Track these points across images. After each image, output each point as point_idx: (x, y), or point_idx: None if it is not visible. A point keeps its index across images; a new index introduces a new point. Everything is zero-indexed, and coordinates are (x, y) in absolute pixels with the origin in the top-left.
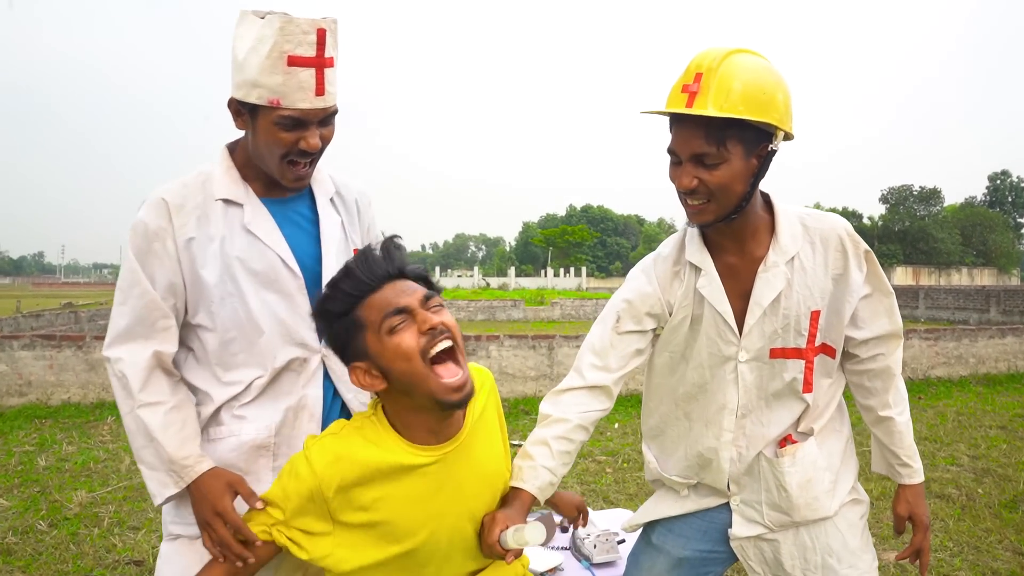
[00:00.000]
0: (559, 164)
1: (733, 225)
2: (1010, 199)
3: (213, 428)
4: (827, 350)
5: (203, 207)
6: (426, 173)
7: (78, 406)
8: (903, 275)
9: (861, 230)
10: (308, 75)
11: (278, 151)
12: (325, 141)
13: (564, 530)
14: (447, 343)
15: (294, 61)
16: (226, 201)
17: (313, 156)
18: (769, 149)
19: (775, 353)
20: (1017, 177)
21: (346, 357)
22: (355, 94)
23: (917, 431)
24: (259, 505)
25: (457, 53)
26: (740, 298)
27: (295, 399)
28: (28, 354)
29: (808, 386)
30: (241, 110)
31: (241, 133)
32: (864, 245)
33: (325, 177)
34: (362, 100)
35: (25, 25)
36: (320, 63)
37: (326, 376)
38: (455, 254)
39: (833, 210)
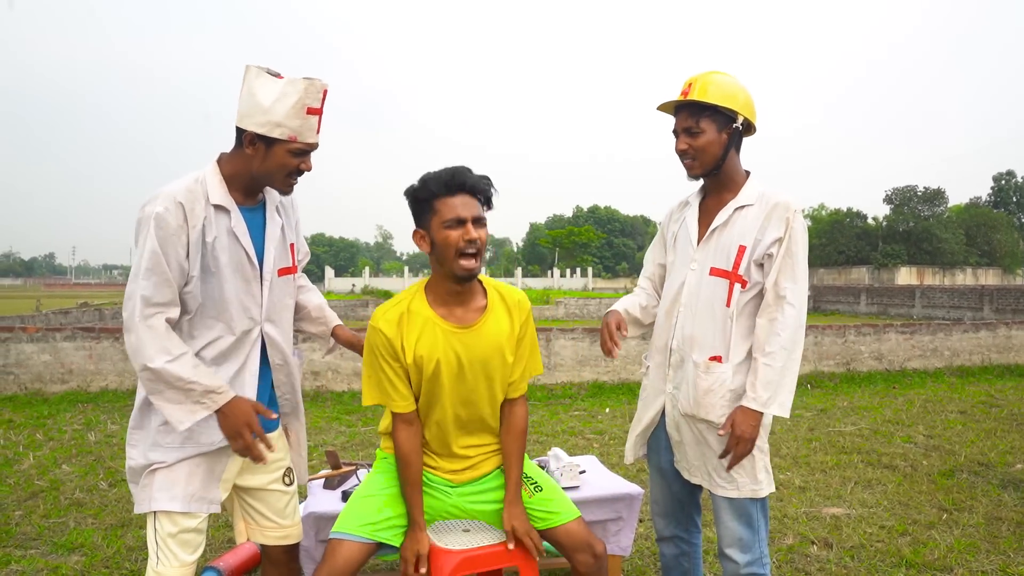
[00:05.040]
0: (566, 165)
1: (715, 180)
2: (1015, 199)
3: None
4: (743, 281)
5: (204, 210)
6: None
7: (116, 392)
8: (907, 275)
9: (866, 230)
10: (315, 120)
11: (285, 171)
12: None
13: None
14: (472, 250)
15: (311, 111)
16: (217, 207)
17: (302, 175)
18: (734, 127)
19: (713, 271)
20: (1022, 177)
21: (416, 222)
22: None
23: (884, 415)
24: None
25: (462, 51)
26: (706, 228)
27: (241, 361)
28: (69, 345)
29: (729, 301)
30: (256, 140)
31: (227, 148)
32: (793, 217)
33: (272, 191)
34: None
35: (22, 28)
36: (321, 113)
37: (263, 343)
38: None
39: (837, 211)
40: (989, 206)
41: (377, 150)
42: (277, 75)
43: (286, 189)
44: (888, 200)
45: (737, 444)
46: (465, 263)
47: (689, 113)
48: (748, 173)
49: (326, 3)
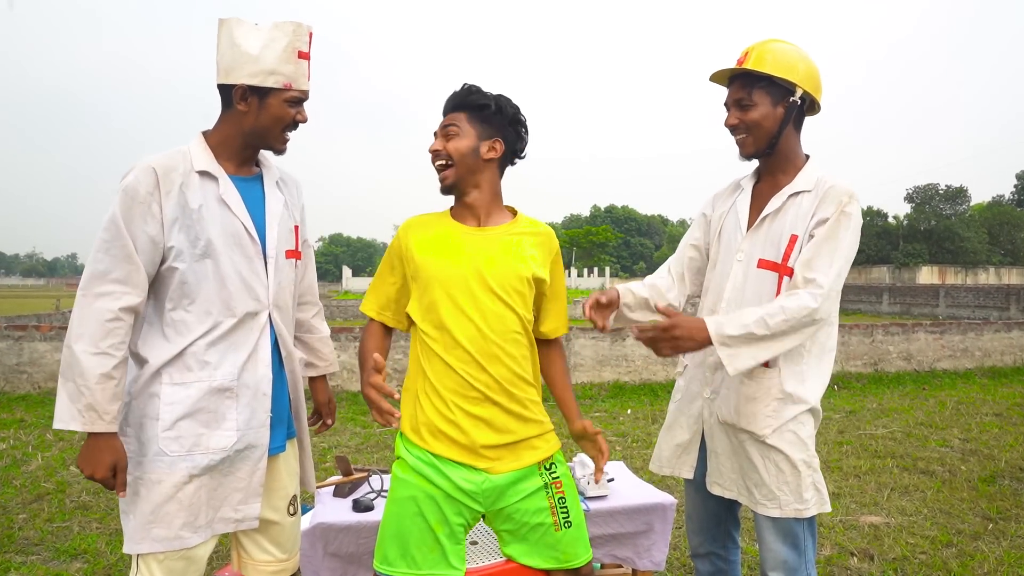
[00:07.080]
0: (583, 164)
1: (769, 161)
2: None
3: (179, 373)
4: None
5: (185, 176)
6: None
7: None
8: (929, 275)
9: (887, 229)
10: (306, 65)
11: (282, 124)
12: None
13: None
14: (438, 162)
15: (302, 55)
16: (203, 173)
17: (297, 128)
18: (791, 100)
19: (761, 263)
20: None
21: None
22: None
23: (915, 417)
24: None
25: (473, 48)
26: (757, 215)
27: (250, 349)
28: None
29: (778, 296)
30: (248, 94)
31: (211, 124)
32: (848, 202)
33: (272, 164)
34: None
35: (54, 28)
36: (309, 57)
37: (272, 329)
38: None
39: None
40: (1013, 204)
41: (390, 149)
42: (271, 22)
43: (281, 146)
44: (909, 198)
45: (662, 330)
46: (438, 173)
47: (742, 84)
48: (808, 157)
49: (331, 3)
